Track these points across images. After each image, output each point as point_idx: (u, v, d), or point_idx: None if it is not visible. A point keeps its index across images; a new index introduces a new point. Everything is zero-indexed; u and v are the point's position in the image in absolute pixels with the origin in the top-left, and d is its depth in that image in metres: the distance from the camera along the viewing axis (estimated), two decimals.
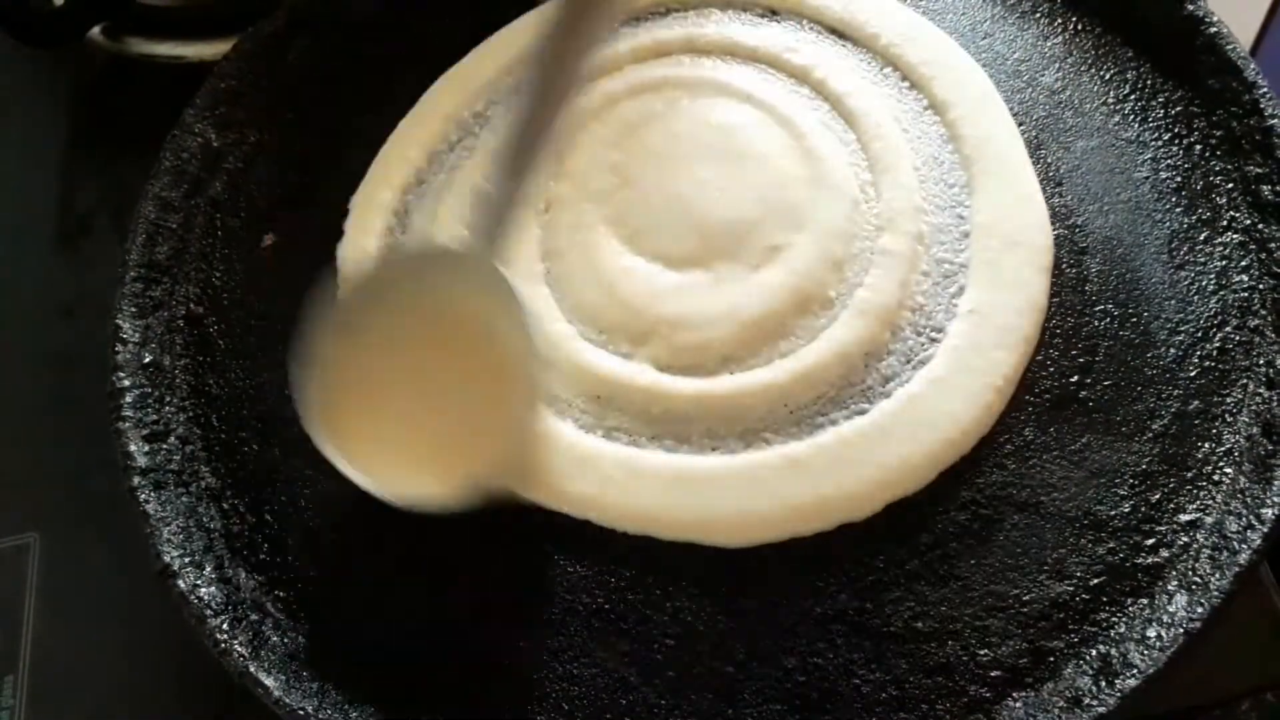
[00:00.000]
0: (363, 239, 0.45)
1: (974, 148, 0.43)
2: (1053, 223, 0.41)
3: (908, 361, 0.39)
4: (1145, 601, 0.34)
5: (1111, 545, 0.35)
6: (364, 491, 0.39)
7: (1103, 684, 0.32)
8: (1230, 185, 0.41)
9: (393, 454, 0.36)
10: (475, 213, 0.37)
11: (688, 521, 0.37)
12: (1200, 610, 0.32)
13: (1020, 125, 0.44)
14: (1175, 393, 0.37)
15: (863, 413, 0.38)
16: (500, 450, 0.36)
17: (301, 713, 0.34)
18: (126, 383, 0.41)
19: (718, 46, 0.48)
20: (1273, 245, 0.39)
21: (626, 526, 0.37)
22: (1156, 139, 0.43)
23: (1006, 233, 0.41)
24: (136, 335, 0.43)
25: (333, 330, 0.36)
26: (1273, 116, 0.40)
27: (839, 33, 0.48)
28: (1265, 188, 0.40)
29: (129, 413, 0.40)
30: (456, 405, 0.37)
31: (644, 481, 0.37)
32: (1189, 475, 0.36)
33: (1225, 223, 0.40)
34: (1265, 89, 0.41)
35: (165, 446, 0.40)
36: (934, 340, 0.39)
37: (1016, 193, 0.42)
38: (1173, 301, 0.39)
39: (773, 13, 0.49)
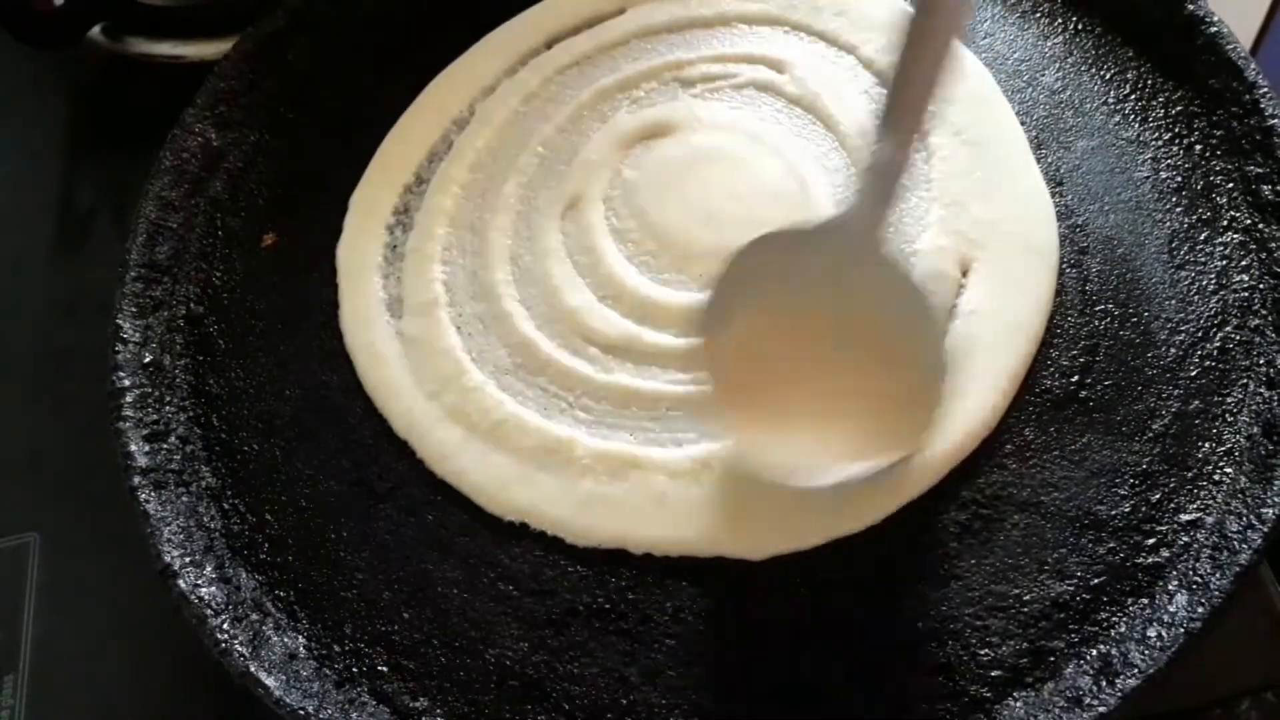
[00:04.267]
0: (362, 238, 0.45)
1: (976, 147, 0.43)
2: None
3: None
4: (1146, 601, 0.34)
5: (1112, 545, 0.35)
6: (365, 491, 0.39)
7: (1103, 684, 0.32)
8: (1230, 185, 0.41)
9: (793, 436, 0.35)
10: (862, 183, 0.35)
11: (704, 538, 0.36)
12: (1201, 610, 0.32)
13: (1021, 125, 0.43)
14: (1176, 392, 0.37)
15: None
16: (903, 436, 0.34)
17: (301, 713, 0.34)
18: (126, 382, 0.41)
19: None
20: (1273, 245, 0.39)
21: (631, 546, 0.37)
22: (1157, 139, 0.43)
23: (1010, 232, 0.41)
24: (137, 335, 0.43)
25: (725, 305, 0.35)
26: (1273, 116, 0.40)
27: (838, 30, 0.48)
28: (1265, 187, 0.40)
29: (129, 412, 0.40)
30: (857, 391, 0.35)
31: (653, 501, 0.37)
32: (1189, 475, 0.36)
33: (1225, 222, 0.40)
34: (1265, 89, 0.41)
35: (165, 446, 0.40)
36: None
37: (1021, 192, 0.42)
38: (1173, 301, 0.39)
39: None
